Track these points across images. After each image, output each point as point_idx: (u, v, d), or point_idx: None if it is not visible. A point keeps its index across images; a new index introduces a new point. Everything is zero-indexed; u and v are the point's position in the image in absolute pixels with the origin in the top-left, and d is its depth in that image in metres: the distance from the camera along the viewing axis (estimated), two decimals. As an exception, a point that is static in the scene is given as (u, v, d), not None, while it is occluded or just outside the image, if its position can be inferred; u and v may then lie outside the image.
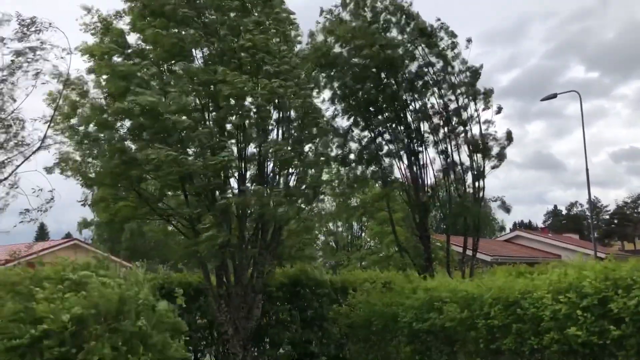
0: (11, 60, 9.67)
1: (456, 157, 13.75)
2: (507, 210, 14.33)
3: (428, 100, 14.06)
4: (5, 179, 7.89)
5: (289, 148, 10.65)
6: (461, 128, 13.77)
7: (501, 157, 13.82)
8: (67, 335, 5.49)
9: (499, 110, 14.10)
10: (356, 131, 14.01)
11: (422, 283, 10.02)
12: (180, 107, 9.35)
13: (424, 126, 13.90)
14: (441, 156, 13.72)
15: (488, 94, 13.89)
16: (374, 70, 13.42)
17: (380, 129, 13.87)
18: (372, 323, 10.32)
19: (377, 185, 14.49)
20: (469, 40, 14.31)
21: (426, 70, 13.86)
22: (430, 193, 13.73)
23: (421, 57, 13.86)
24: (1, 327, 5.63)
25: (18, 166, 8.14)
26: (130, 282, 6.28)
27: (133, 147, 10.21)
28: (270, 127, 11.28)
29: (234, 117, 10.46)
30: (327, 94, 13.93)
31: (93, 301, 5.72)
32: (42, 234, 56.04)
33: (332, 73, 13.58)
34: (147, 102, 9.14)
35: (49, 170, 10.13)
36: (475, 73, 13.93)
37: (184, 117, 9.48)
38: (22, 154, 8.94)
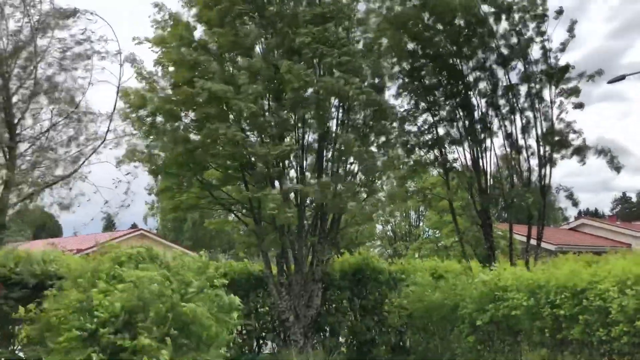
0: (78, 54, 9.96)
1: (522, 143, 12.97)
2: (575, 202, 13.47)
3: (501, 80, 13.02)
4: (76, 170, 8.20)
5: (352, 136, 10.67)
6: (533, 114, 12.90)
7: (580, 151, 12.55)
8: (119, 324, 5.76)
9: (580, 105, 12.67)
10: (419, 115, 13.47)
11: (482, 272, 9.86)
12: (247, 96, 9.59)
13: (490, 110, 13.16)
14: (506, 141, 13.00)
15: (562, 72, 12.69)
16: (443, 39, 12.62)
17: (441, 111, 13.30)
18: (431, 313, 10.25)
19: (437, 171, 14.03)
20: (559, 12, 12.64)
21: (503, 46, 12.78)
22: (493, 180, 13.27)
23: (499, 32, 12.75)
24: (64, 317, 5.94)
25: (87, 158, 8.41)
26: (175, 272, 6.50)
27: (196, 137, 10.57)
28: (331, 116, 11.37)
29: (295, 108, 10.59)
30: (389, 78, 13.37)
31: (137, 294, 5.95)
32: (109, 224, 58.04)
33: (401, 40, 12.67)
34: (218, 89, 9.37)
35: (119, 162, 10.52)
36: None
37: (250, 104, 9.70)
38: (93, 147, 9.21)
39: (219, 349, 6.41)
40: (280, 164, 10.83)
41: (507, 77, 12.97)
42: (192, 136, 10.69)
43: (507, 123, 12.98)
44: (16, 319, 7.19)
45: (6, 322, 9.73)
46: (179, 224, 37.07)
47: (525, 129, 12.89)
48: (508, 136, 12.97)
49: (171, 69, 10.70)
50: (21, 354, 8.60)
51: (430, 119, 13.29)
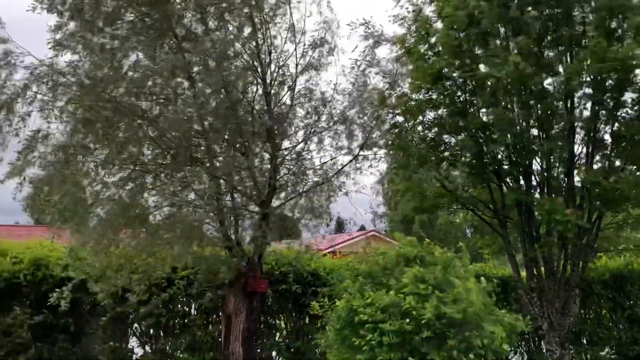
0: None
1: None
2: None
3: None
4: (335, 173, 8.41)
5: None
6: None
7: None
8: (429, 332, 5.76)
9: None
10: None
11: None
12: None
13: None
14: None
15: None
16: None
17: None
18: None
19: None
20: None
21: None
22: None
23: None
24: (371, 316, 6.12)
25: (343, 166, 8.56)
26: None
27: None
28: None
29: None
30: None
31: (460, 306, 5.87)
32: (339, 226, 61.13)
33: None
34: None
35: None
36: None
37: None
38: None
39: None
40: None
41: None
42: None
43: None
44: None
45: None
46: (407, 225, 37.43)
47: None
48: None
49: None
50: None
51: None
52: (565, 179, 10.05)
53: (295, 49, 7.97)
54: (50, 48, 7.09)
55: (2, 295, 9.83)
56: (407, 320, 6.07)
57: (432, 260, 6.84)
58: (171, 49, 7.56)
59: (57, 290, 8.39)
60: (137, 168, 7.67)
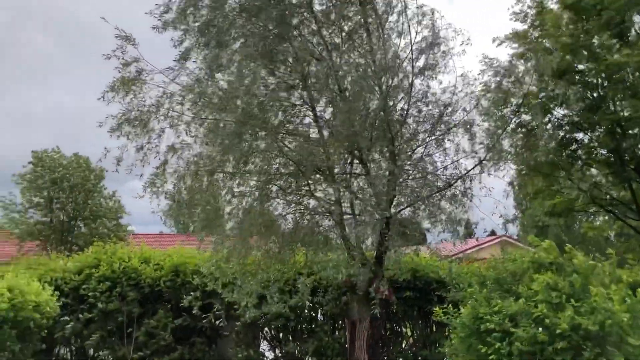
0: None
1: None
2: None
3: None
4: (461, 178, 8.10)
5: None
6: None
7: None
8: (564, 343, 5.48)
9: None
10: None
11: None
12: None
13: None
14: None
15: None
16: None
17: None
18: None
19: None
20: None
21: None
22: None
23: None
24: (498, 324, 5.94)
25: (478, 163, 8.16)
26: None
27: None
28: None
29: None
30: None
31: (597, 317, 5.56)
32: (467, 231, 59.21)
33: None
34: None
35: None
36: None
37: None
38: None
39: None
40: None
41: None
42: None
43: None
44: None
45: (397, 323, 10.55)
46: (541, 230, 35.37)
47: None
48: None
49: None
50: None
51: None
52: None
53: (412, 51, 7.84)
54: (175, 67, 7.53)
55: (146, 300, 10.69)
56: (540, 329, 5.76)
57: (571, 268, 6.40)
58: (290, 66, 7.77)
59: (191, 294, 8.95)
60: (263, 178, 7.95)
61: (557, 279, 6.19)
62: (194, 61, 7.66)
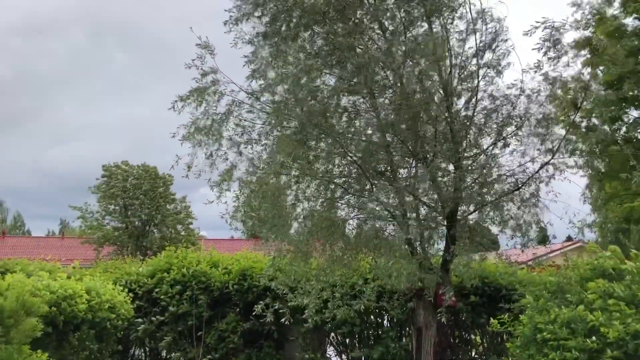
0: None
1: None
2: None
3: None
4: (527, 180, 7.82)
5: None
6: None
7: None
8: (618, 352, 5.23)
9: None
10: None
11: None
12: None
13: None
14: None
15: None
16: None
17: None
18: None
19: None
20: None
21: None
22: None
23: None
24: (551, 331, 5.73)
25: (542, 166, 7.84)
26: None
27: None
28: None
29: None
30: None
31: None
32: (544, 237, 56.93)
33: None
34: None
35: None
36: None
37: None
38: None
39: None
40: None
41: None
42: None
43: None
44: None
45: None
46: (622, 234, 33.59)
47: None
48: None
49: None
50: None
51: None
52: None
53: (477, 50, 7.64)
54: (247, 78, 7.74)
55: (216, 303, 10.93)
56: (593, 337, 5.51)
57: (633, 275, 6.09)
58: (354, 67, 7.76)
59: (261, 302, 9.06)
60: (326, 182, 7.97)
61: (614, 286, 5.93)
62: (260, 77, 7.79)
